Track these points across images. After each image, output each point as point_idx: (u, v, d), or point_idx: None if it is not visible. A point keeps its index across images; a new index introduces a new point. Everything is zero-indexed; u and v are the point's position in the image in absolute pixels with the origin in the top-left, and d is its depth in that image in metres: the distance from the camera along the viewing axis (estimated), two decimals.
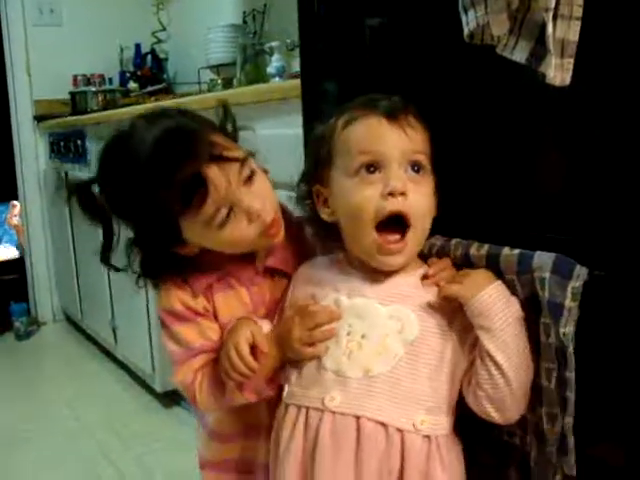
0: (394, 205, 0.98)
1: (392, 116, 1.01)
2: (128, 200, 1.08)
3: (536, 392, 0.98)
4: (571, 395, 0.91)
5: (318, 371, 1.04)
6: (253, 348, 1.06)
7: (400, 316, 1.02)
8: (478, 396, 1.00)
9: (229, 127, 1.16)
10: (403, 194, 0.98)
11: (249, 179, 1.08)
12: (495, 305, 0.96)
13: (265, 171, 1.14)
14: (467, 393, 1.02)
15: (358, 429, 0.99)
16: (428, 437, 0.99)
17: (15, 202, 4.69)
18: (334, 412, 1.00)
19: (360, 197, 1.00)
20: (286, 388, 1.08)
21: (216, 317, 1.16)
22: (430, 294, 1.03)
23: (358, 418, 0.99)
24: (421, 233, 1.03)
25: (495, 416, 1.00)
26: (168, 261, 1.15)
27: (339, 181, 1.04)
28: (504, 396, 0.98)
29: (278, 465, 1.06)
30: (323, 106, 1.33)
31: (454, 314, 1.01)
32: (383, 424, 0.98)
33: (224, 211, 1.05)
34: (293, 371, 1.08)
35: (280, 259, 1.18)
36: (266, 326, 1.12)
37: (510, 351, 0.96)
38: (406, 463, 0.98)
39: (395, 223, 0.99)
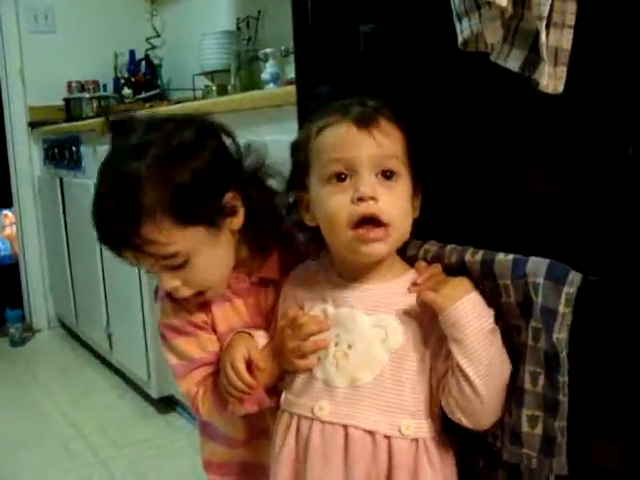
0: (364, 209, 0.99)
1: (361, 122, 1.01)
2: None
3: (515, 394, 0.99)
4: (564, 399, 0.92)
5: (309, 380, 1.06)
6: (249, 364, 1.08)
7: (384, 325, 1.03)
8: (449, 404, 1.02)
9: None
10: (373, 198, 0.99)
11: (175, 268, 1.07)
12: (467, 317, 0.97)
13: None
14: (441, 400, 1.03)
15: (346, 437, 1.02)
16: (415, 441, 1.02)
17: (6, 211, 4.69)
18: (323, 422, 1.03)
19: (332, 204, 1.01)
20: (284, 394, 1.10)
21: (214, 329, 1.18)
22: (413, 300, 1.04)
23: (346, 427, 1.02)
24: (399, 230, 1.03)
25: (467, 424, 1.02)
26: None
27: (315, 188, 1.05)
28: (474, 406, 1.00)
29: (272, 470, 1.09)
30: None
31: (434, 321, 1.02)
32: (370, 432, 1.01)
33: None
34: (288, 379, 1.10)
35: (274, 269, 1.19)
36: (261, 339, 1.13)
37: (480, 364, 0.97)
38: (394, 467, 1.00)
39: (370, 224, 1.00)
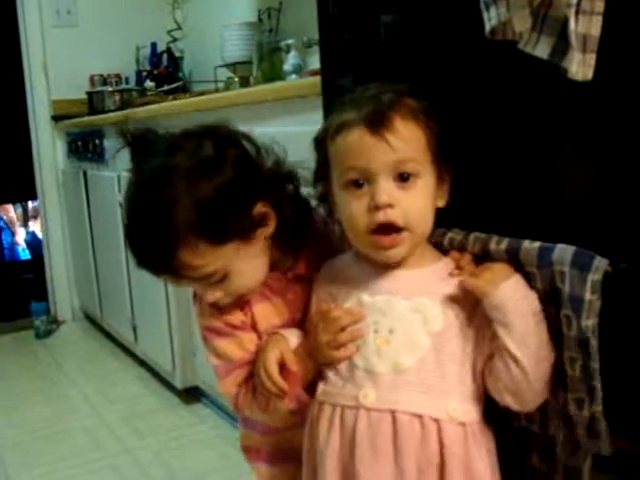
0: (381, 217, 0.99)
1: (374, 127, 0.98)
2: None
3: (560, 378, 0.99)
4: (598, 385, 0.92)
5: (350, 370, 1.06)
6: (282, 366, 1.09)
7: (422, 309, 1.03)
8: (497, 387, 1.02)
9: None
10: (390, 205, 0.98)
11: (215, 283, 1.09)
12: (511, 300, 0.97)
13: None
14: (487, 383, 1.03)
15: (394, 422, 1.01)
16: (463, 424, 1.01)
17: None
18: (369, 409, 1.02)
19: (349, 212, 1.02)
20: (321, 386, 1.09)
21: (255, 328, 1.18)
22: (450, 287, 1.04)
23: (393, 412, 1.01)
24: (418, 230, 1.02)
25: (514, 406, 1.02)
26: None
27: (335, 189, 1.05)
28: (522, 388, 0.99)
29: (318, 463, 1.07)
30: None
31: (474, 306, 1.02)
32: (418, 415, 1.00)
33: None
34: (326, 370, 1.09)
35: (307, 265, 1.19)
36: (294, 339, 1.13)
37: (527, 345, 0.97)
38: (445, 451, 0.99)
39: (388, 229, 1.00)
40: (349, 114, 1.02)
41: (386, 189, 0.99)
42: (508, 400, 1.02)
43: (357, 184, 1.00)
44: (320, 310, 1.11)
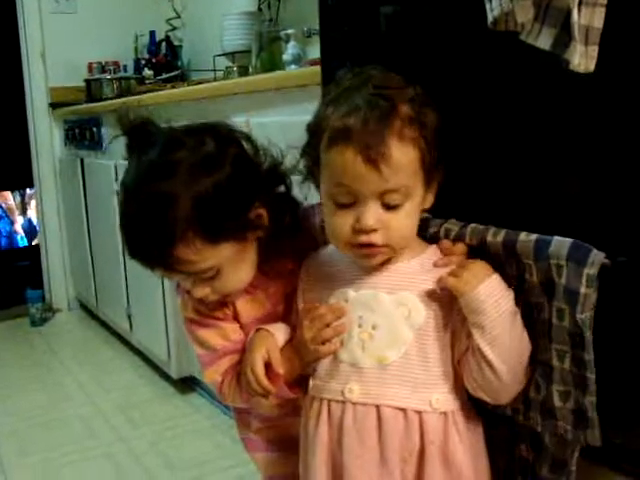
0: (363, 239, 0.99)
1: (368, 155, 0.94)
2: None
3: (544, 371, 0.99)
4: (591, 376, 0.92)
5: (335, 364, 1.07)
6: (269, 365, 1.10)
7: (406, 302, 1.04)
8: (470, 383, 1.04)
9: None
10: (374, 230, 0.98)
11: (209, 279, 1.09)
12: (487, 302, 0.98)
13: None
14: (463, 375, 1.05)
15: (379, 416, 1.03)
16: (444, 414, 1.03)
17: None
18: (354, 403, 1.04)
19: (334, 224, 1.02)
20: (311, 381, 1.11)
21: (237, 319, 1.19)
22: (433, 279, 1.04)
23: (378, 407, 1.03)
24: (402, 243, 1.03)
25: (487, 399, 1.04)
26: None
27: (324, 192, 1.04)
28: (494, 386, 1.01)
29: (308, 454, 1.10)
30: None
31: (454, 299, 1.02)
32: (402, 409, 1.02)
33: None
34: (314, 365, 1.11)
35: (288, 260, 1.19)
36: (281, 335, 1.14)
37: (500, 347, 0.98)
38: (425, 441, 1.02)
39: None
40: (344, 120, 0.97)
41: (373, 214, 0.98)
42: (481, 394, 1.04)
43: (344, 202, 0.99)
44: (304, 308, 1.12)
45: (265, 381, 1.09)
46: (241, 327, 1.19)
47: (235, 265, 1.10)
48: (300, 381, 1.13)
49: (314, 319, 1.08)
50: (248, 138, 1.13)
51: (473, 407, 1.08)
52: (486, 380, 1.01)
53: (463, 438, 1.04)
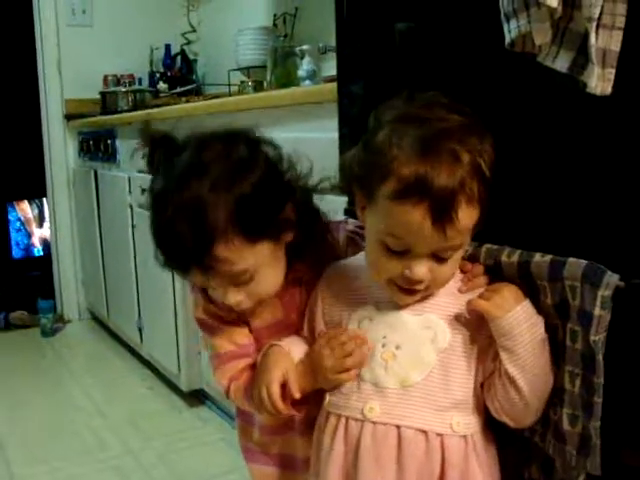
0: (406, 285, 0.99)
1: (439, 219, 0.90)
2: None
3: (557, 393, 1.00)
4: (598, 400, 0.91)
5: (356, 382, 1.06)
6: (284, 386, 1.08)
7: (432, 325, 1.03)
8: (494, 405, 1.03)
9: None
10: (421, 281, 0.98)
11: (242, 283, 1.08)
12: (520, 327, 0.98)
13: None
14: (486, 397, 1.04)
15: (399, 437, 1.02)
16: (464, 437, 1.02)
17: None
18: (374, 422, 1.03)
19: (379, 264, 1.00)
20: (327, 396, 1.10)
21: (248, 323, 1.19)
22: (458, 302, 1.04)
23: (398, 427, 1.02)
24: (442, 285, 1.03)
25: (510, 423, 1.04)
26: None
27: (372, 223, 1.00)
28: (518, 410, 1.02)
29: (321, 471, 1.09)
30: (358, 110, 1.33)
31: (481, 323, 1.02)
32: (423, 431, 1.01)
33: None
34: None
35: (306, 268, 1.18)
36: (297, 349, 1.13)
37: (528, 372, 0.99)
38: (446, 464, 1.01)
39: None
40: (417, 167, 0.90)
41: (424, 268, 0.96)
42: (504, 417, 1.04)
43: (396, 248, 0.96)
44: (324, 335, 1.10)
45: (280, 404, 1.07)
46: (250, 331, 1.19)
47: (269, 267, 1.09)
48: (303, 399, 1.12)
49: (334, 347, 1.06)
50: (273, 145, 1.13)
51: (489, 430, 1.07)
52: (511, 403, 1.01)
53: (482, 462, 1.03)
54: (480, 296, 1.01)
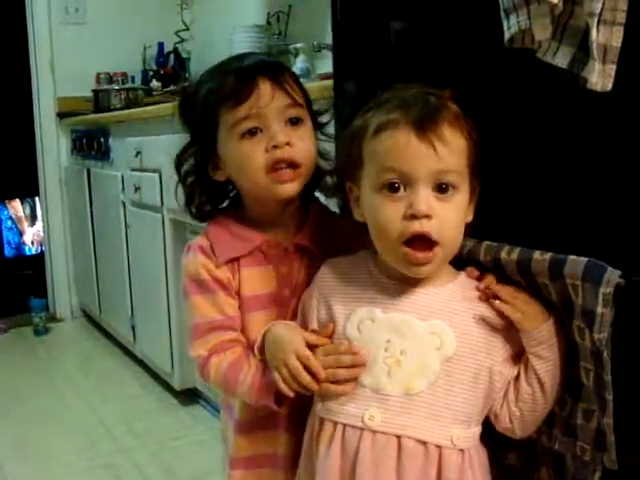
0: (417, 227, 0.95)
1: (422, 130, 0.94)
2: (196, 95, 1.19)
3: (574, 388, 1.00)
4: (609, 397, 0.91)
5: (355, 387, 1.02)
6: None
7: (439, 332, 1.00)
8: (511, 411, 1.03)
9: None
10: (427, 216, 0.95)
11: (293, 122, 1.14)
12: (553, 338, 0.99)
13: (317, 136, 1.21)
14: (500, 405, 1.04)
15: (399, 447, 0.99)
16: (462, 451, 1.00)
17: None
18: (375, 431, 1.00)
19: (384, 216, 0.98)
20: (319, 402, 1.06)
21: (238, 292, 1.18)
22: (464, 309, 1.02)
23: (399, 437, 0.99)
24: (450, 246, 1.00)
25: (516, 432, 1.05)
26: (207, 190, 1.22)
27: (366, 190, 1.01)
28: (535, 417, 1.03)
29: (316, 478, 1.06)
30: (352, 108, 1.33)
31: (487, 330, 1.02)
32: (423, 442, 0.99)
33: (250, 124, 1.12)
34: None
35: (310, 238, 1.19)
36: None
37: (555, 378, 1.00)
38: (442, 477, 0.98)
39: (421, 241, 0.97)
40: (393, 115, 0.97)
41: (426, 198, 0.95)
42: (515, 426, 1.04)
43: (393, 187, 0.96)
44: (321, 343, 1.06)
45: (320, 368, 1.02)
46: (240, 303, 1.19)
47: (309, 132, 1.17)
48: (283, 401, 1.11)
49: (329, 353, 1.03)
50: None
51: (483, 443, 1.06)
52: (534, 408, 1.02)
53: (477, 475, 1.02)
54: (508, 305, 1.00)
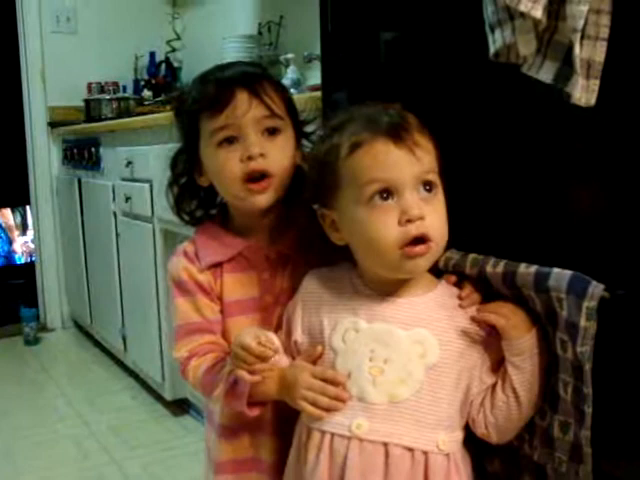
0: (416, 230, 0.97)
1: (398, 138, 0.98)
2: (184, 101, 1.23)
3: (551, 400, 1.00)
4: (588, 410, 0.92)
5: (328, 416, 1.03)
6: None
7: (422, 340, 1.02)
8: (487, 419, 1.04)
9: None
10: (421, 218, 0.97)
11: (270, 132, 1.16)
12: (533, 350, 1.00)
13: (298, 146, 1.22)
14: (476, 411, 1.05)
15: (386, 455, 1.00)
16: (447, 455, 1.02)
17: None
18: (362, 439, 1.01)
19: (377, 227, 0.99)
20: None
21: (220, 297, 1.20)
22: (446, 317, 1.04)
23: (386, 445, 1.00)
24: (442, 242, 1.02)
25: (493, 438, 1.05)
26: (197, 195, 1.25)
27: (349, 209, 1.02)
28: (511, 426, 1.03)
29: None
30: None
31: (470, 338, 1.03)
32: (409, 448, 1.00)
33: (227, 133, 1.14)
34: None
35: (293, 245, 1.20)
36: (283, 356, 1.12)
37: (531, 390, 1.01)
38: None
39: (416, 240, 0.99)
40: (364, 130, 1.01)
41: (416, 202, 0.98)
42: (491, 432, 1.05)
43: (382, 197, 0.99)
44: (308, 368, 1.07)
45: (258, 346, 1.02)
46: (221, 309, 1.21)
47: (288, 141, 1.19)
48: (258, 410, 1.12)
49: (316, 376, 1.05)
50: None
51: (466, 447, 1.07)
52: (508, 417, 1.02)
53: (462, 478, 1.03)
54: (490, 311, 1.02)
